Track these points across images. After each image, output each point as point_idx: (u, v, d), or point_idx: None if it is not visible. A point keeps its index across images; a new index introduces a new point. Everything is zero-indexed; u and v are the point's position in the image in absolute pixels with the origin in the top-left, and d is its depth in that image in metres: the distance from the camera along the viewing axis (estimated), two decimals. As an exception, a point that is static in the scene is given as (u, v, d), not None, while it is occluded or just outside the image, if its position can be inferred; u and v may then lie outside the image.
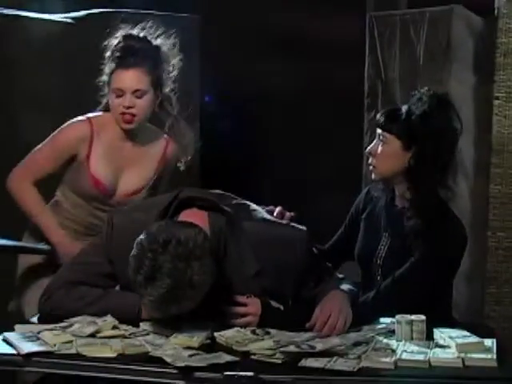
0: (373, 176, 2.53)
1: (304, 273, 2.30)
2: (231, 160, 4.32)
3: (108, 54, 2.85)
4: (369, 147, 2.53)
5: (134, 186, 2.87)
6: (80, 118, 2.86)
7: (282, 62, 4.42)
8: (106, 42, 2.86)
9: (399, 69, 3.85)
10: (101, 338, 2.15)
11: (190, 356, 2.05)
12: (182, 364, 1.99)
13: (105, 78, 2.84)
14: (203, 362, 2.01)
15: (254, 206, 2.41)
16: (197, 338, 2.12)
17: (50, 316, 2.29)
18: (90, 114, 2.87)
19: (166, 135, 2.94)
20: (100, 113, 2.89)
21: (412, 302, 2.30)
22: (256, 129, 4.51)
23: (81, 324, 2.20)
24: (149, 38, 2.85)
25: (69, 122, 2.86)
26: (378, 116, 2.52)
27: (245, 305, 2.25)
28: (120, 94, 2.78)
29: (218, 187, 2.43)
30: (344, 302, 2.26)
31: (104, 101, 2.89)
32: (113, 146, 2.85)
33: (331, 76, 4.35)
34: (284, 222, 2.43)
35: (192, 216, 2.26)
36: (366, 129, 3.96)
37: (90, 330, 2.16)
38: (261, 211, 2.40)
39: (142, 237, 2.13)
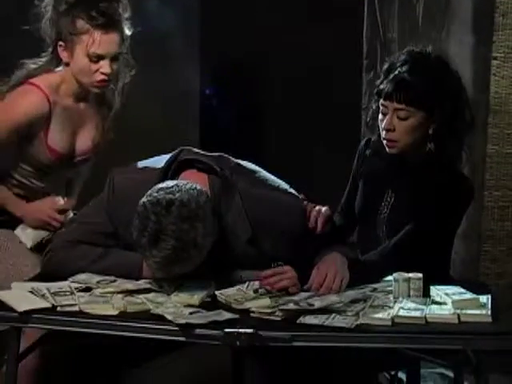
0: (391, 150, 2.44)
1: (301, 237, 2.32)
2: (230, 120, 4.34)
3: (55, 2, 2.53)
4: (385, 123, 2.42)
5: (88, 146, 2.71)
6: (31, 88, 2.55)
7: (280, 23, 4.40)
8: None
9: (398, 29, 3.84)
10: (102, 295, 2.18)
11: (191, 314, 2.08)
12: (183, 321, 2.01)
13: (66, 29, 2.52)
14: (203, 320, 2.04)
15: (253, 167, 2.41)
16: (197, 296, 2.15)
17: (52, 275, 2.31)
18: (38, 81, 2.57)
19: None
20: (46, 74, 2.59)
21: (418, 259, 2.32)
22: (253, 90, 4.51)
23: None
24: None
25: (20, 94, 2.55)
26: (388, 89, 2.40)
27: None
28: (97, 59, 2.53)
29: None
30: (341, 263, 2.26)
31: (45, 58, 2.60)
32: (67, 111, 2.63)
33: (329, 36, 4.33)
34: (281, 186, 2.39)
35: (192, 177, 2.27)
36: (365, 89, 3.96)
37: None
38: (260, 173, 2.39)
39: (144, 199, 2.14)
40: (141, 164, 2.39)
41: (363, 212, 2.57)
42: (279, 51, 4.39)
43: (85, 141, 2.70)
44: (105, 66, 2.53)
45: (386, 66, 2.50)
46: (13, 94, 2.58)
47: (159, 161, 2.35)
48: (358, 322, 2.04)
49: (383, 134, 2.45)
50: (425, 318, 2.07)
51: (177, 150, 2.34)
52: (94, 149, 2.73)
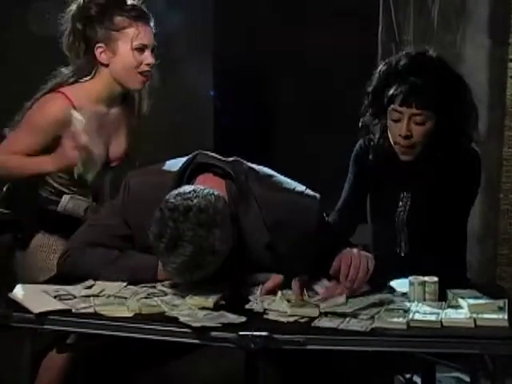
0: (406, 157, 2.43)
1: (317, 241, 2.30)
2: (244, 125, 4.34)
3: (82, 6, 2.57)
4: (403, 130, 2.39)
5: (121, 151, 2.73)
6: (57, 95, 2.59)
7: (293, 26, 4.41)
8: None
9: (413, 32, 3.84)
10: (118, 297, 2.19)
11: (205, 316, 2.08)
12: (198, 324, 2.01)
13: (104, 32, 2.57)
14: (213, 322, 2.03)
15: (268, 171, 2.39)
16: (212, 299, 2.15)
17: (67, 276, 2.32)
18: (65, 89, 2.60)
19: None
20: (76, 84, 2.63)
21: (435, 260, 2.32)
22: (268, 93, 4.51)
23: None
24: None
25: (44, 101, 2.59)
26: (404, 95, 2.37)
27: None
28: (142, 50, 2.60)
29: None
30: (358, 251, 2.23)
31: (72, 67, 2.64)
32: (100, 118, 2.63)
33: (344, 38, 4.33)
34: (297, 188, 2.36)
35: (209, 181, 2.26)
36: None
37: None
38: (275, 177, 2.37)
39: (161, 205, 2.14)
40: (156, 167, 2.39)
41: (378, 216, 2.56)
42: (293, 53, 4.39)
43: (118, 146, 2.72)
44: (148, 57, 2.60)
45: (383, 69, 2.46)
46: (40, 101, 2.61)
47: (175, 164, 2.35)
48: (374, 326, 2.03)
49: (399, 140, 2.41)
50: (440, 321, 2.05)
51: (192, 154, 2.34)
52: (126, 153, 2.75)
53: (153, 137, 3.30)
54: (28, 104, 2.65)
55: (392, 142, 2.45)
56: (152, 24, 2.65)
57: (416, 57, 2.45)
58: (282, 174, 2.40)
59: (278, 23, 4.39)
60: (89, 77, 2.65)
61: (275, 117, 4.58)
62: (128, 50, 2.59)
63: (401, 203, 2.50)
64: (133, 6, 2.60)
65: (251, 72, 4.44)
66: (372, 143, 2.53)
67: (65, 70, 2.67)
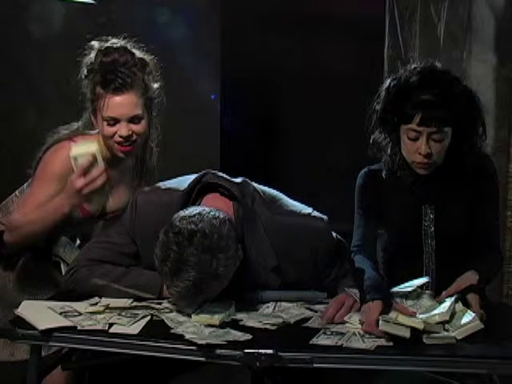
0: (424, 172, 2.41)
1: (324, 263, 2.30)
2: (250, 137, 4.34)
3: (85, 72, 2.52)
4: (423, 149, 2.35)
5: (119, 205, 2.63)
6: (67, 142, 2.53)
7: (299, 43, 4.42)
8: (78, 59, 2.53)
9: (419, 48, 3.84)
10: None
11: (211, 333, 2.08)
12: (203, 341, 2.01)
13: (88, 95, 2.52)
14: (218, 339, 2.03)
15: (274, 193, 2.38)
16: (218, 316, 2.14)
17: (73, 292, 2.32)
18: (75, 138, 2.55)
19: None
20: (84, 135, 2.58)
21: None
22: (273, 99, 4.53)
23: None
24: (129, 49, 2.54)
25: (56, 149, 2.53)
26: (423, 114, 2.32)
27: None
28: (113, 122, 2.48)
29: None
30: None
31: (84, 115, 2.59)
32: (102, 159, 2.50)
33: (350, 56, 4.34)
34: (303, 211, 2.34)
35: (217, 202, 2.26)
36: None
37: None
38: (282, 200, 2.36)
39: (167, 227, 2.13)
40: (164, 184, 2.38)
41: (400, 232, 2.52)
42: (298, 62, 4.40)
43: (118, 201, 2.65)
44: (121, 129, 2.48)
45: (391, 86, 2.44)
46: (52, 149, 2.55)
47: (183, 182, 2.34)
48: (377, 344, 2.02)
49: (417, 157, 2.38)
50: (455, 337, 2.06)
51: (201, 173, 2.33)
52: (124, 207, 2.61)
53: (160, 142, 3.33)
54: (39, 154, 2.59)
55: (408, 159, 2.43)
56: (137, 93, 2.49)
57: (426, 73, 2.41)
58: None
59: (284, 33, 4.41)
60: (92, 132, 2.60)
61: (280, 122, 4.58)
62: (102, 121, 2.50)
63: (425, 217, 2.48)
64: (115, 75, 2.47)
65: (257, 78, 4.45)
66: (384, 160, 2.51)
67: (62, 128, 2.63)
